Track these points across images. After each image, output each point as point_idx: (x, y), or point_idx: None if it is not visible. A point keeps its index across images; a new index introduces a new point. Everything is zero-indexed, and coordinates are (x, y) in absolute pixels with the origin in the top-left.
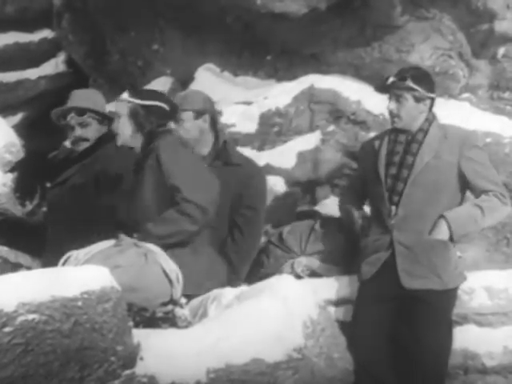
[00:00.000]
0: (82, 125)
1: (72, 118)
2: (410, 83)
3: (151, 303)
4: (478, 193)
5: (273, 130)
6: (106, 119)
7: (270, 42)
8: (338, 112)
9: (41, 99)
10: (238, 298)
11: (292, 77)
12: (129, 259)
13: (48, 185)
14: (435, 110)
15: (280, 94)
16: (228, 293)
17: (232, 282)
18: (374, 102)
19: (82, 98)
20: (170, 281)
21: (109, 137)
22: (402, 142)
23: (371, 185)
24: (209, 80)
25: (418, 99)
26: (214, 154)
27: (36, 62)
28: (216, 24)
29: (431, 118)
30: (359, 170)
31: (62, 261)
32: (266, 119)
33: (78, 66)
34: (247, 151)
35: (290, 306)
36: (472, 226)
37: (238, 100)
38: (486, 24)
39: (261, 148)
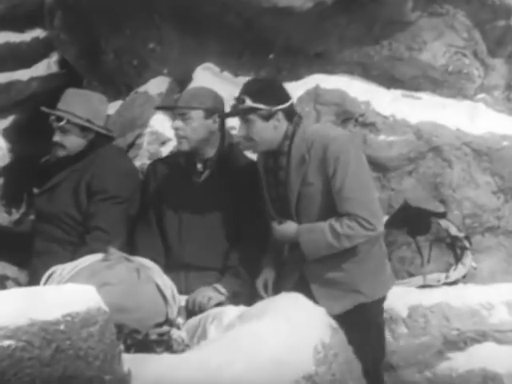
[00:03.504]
0: (61, 130)
1: (53, 121)
2: (249, 103)
3: (144, 324)
4: (340, 212)
5: None
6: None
7: (272, 41)
8: (345, 114)
9: (33, 101)
10: (241, 317)
11: (296, 77)
12: (119, 275)
13: (35, 191)
14: (448, 111)
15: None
16: (229, 312)
17: (240, 296)
18: (384, 103)
19: (66, 101)
20: (165, 299)
21: (102, 141)
22: (270, 163)
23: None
24: (208, 80)
25: (265, 117)
26: (219, 156)
27: (27, 63)
28: (216, 21)
29: (290, 133)
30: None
31: (44, 277)
32: None
33: (71, 67)
34: (248, 155)
35: (300, 327)
36: (323, 250)
37: None
38: (502, 20)
39: None
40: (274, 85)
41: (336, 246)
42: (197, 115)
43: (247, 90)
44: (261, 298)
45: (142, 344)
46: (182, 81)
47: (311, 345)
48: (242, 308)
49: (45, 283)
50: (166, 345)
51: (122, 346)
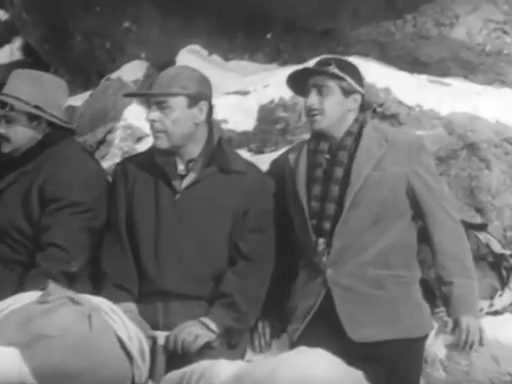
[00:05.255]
0: (6, 119)
1: None
2: (335, 70)
3: None
4: (433, 219)
5: (276, 127)
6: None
7: (270, 16)
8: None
9: None
10: (239, 380)
11: (299, 59)
12: (62, 324)
13: None
14: (485, 100)
15: (284, 81)
16: (222, 369)
17: (235, 333)
18: (408, 91)
19: (11, 84)
20: (131, 356)
21: (60, 135)
22: (325, 151)
23: (292, 214)
24: (193, 65)
25: (346, 92)
26: (206, 155)
27: None
28: None
29: (363, 120)
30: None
31: None
32: (266, 113)
33: (38, 54)
34: (243, 154)
35: None
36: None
37: (230, 89)
38: None
39: (260, 150)
40: (355, 67)
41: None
42: (178, 103)
43: (333, 59)
44: (263, 340)
45: None
46: (162, 66)
47: None
48: (240, 365)
49: None
50: None
51: None
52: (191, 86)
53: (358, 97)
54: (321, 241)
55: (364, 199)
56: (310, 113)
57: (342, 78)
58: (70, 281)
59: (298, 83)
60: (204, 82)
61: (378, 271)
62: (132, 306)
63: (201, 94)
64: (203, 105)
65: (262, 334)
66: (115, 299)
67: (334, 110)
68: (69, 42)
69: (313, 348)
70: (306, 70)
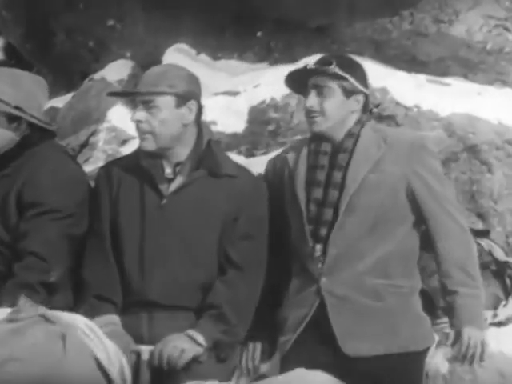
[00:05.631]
0: None
1: None
2: (336, 69)
3: None
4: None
5: (267, 128)
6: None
7: (261, 14)
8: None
9: None
10: None
11: (291, 58)
12: (32, 346)
13: None
14: (486, 100)
15: (276, 80)
16: None
17: (224, 346)
18: (405, 91)
19: None
20: (110, 379)
21: (39, 137)
22: (328, 152)
23: (290, 217)
24: (181, 64)
25: (348, 92)
26: (195, 158)
27: None
28: None
29: (364, 121)
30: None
31: None
32: (257, 114)
33: (20, 54)
34: (232, 158)
35: None
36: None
37: (219, 90)
38: None
39: (250, 153)
40: (359, 65)
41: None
42: (165, 103)
43: (335, 57)
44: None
45: None
46: (148, 65)
47: None
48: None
49: None
50: None
51: None
52: (179, 84)
53: (360, 97)
54: (318, 247)
55: (360, 203)
56: (310, 114)
57: (343, 78)
58: (50, 292)
59: (297, 82)
60: (193, 80)
61: (375, 280)
62: (115, 318)
63: (190, 93)
64: (192, 104)
65: (252, 357)
66: (97, 311)
67: (335, 111)
68: (51, 40)
69: (312, 370)
70: (304, 69)
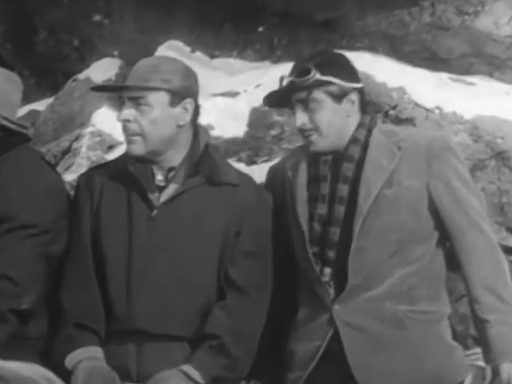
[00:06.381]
0: None
1: None
2: (317, 76)
3: None
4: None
5: (270, 133)
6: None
7: (262, 7)
8: (370, 105)
9: None
10: None
11: (296, 56)
12: None
13: None
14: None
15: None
16: None
17: None
18: (425, 91)
19: None
20: None
21: (12, 141)
22: (328, 161)
23: (293, 235)
24: None
25: (337, 97)
26: (190, 163)
27: None
28: None
29: (368, 122)
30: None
31: None
32: (258, 117)
33: (4, 59)
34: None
35: None
36: None
37: (216, 91)
38: None
39: (251, 160)
40: (342, 57)
41: None
42: (158, 100)
43: (311, 61)
44: None
45: None
46: None
47: None
48: None
49: None
50: None
51: None
52: (174, 79)
53: (354, 96)
54: (326, 271)
55: (377, 225)
56: (304, 134)
57: (328, 83)
58: (22, 320)
59: (279, 99)
60: (190, 74)
61: (397, 306)
62: (97, 350)
63: (186, 90)
64: (188, 103)
65: None
66: (76, 342)
67: (330, 123)
68: (33, 39)
69: None
70: (282, 88)
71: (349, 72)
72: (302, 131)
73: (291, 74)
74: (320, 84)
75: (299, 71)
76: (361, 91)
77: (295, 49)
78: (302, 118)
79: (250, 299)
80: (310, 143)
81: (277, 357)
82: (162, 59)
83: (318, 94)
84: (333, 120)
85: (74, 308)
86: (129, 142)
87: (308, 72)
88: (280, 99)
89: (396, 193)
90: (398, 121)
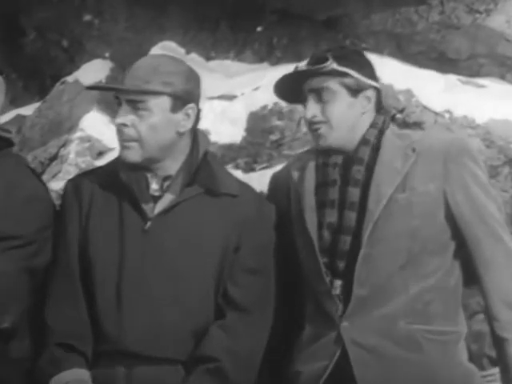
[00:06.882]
0: None
1: None
2: (334, 65)
3: None
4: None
5: (269, 138)
6: None
7: (261, 5)
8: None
9: None
10: None
11: (296, 57)
12: None
13: None
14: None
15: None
16: None
17: None
18: (434, 93)
19: None
20: None
21: None
22: (338, 164)
23: (299, 247)
24: None
25: (353, 90)
26: (188, 171)
27: None
28: None
29: (381, 123)
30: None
31: None
32: (257, 122)
33: None
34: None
35: None
36: None
37: (213, 94)
38: None
39: (249, 167)
40: (361, 54)
41: None
42: (159, 105)
43: (329, 52)
44: None
45: None
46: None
47: None
48: None
49: None
50: None
51: None
52: (177, 81)
53: (371, 93)
54: (337, 283)
55: (387, 231)
56: (313, 127)
57: (345, 74)
58: (3, 339)
59: (291, 90)
60: (193, 77)
61: (411, 326)
62: (84, 373)
63: (188, 94)
64: (190, 108)
65: None
66: (62, 364)
67: (342, 117)
68: (20, 40)
69: None
70: (296, 72)
71: (367, 69)
72: (312, 124)
73: (308, 64)
74: (336, 74)
75: (316, 59)
76: (378, 90)
77: (295, 49)
78: (313, 109)
79: (251, 318)
80: (318, 138)
81: (281, 379)
82: (163, 59)
83: (334, 85)
84: (346, 114)
85: (60, 326)
86: (124, 147)
87: (325, 60)
88: (291, 91)
89: (410, 198)
90: (406, 125)
